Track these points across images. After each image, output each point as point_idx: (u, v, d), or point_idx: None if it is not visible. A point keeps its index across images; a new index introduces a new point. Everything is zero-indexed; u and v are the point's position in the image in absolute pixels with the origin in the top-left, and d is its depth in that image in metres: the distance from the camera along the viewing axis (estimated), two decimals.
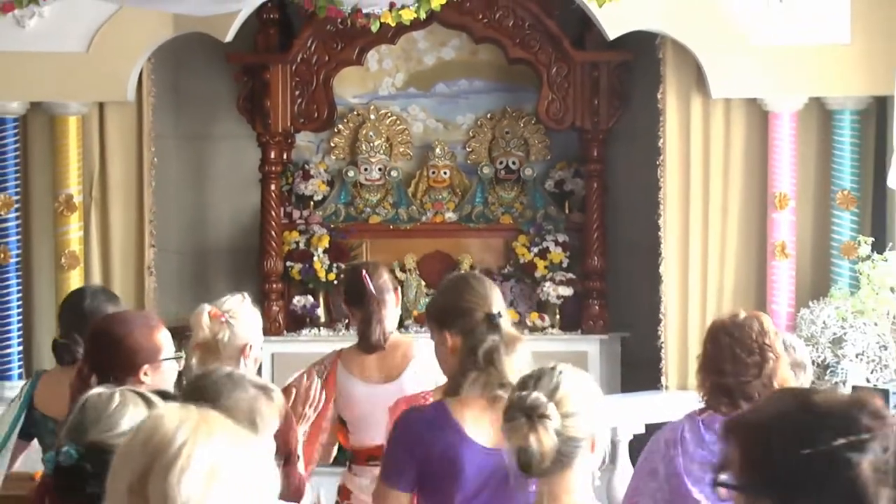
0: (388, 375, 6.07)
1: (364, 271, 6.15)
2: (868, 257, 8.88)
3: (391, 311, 6.14)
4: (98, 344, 4.95)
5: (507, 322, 4.86)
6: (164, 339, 4.98)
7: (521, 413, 3.67)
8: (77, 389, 4.74)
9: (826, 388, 2.62)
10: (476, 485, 4.51)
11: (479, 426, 4.52)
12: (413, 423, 4.67)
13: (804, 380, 6.54)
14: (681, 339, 9.54)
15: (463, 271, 9.27)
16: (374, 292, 6.00)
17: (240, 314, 5.52)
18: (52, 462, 3.34)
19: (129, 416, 3.33)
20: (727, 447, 2.78)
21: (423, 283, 10.69)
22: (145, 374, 4.80)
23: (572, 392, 3.76)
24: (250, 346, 5.39)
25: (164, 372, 4.93)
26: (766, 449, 2.71)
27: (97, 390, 3.48)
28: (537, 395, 3.69)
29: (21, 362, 9.64)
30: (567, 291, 10.54)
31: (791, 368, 5.37)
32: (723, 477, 2.73)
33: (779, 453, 2.69)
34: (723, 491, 2.77)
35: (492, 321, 4.74)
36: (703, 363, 5.18)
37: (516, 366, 4.55)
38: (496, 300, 5.04)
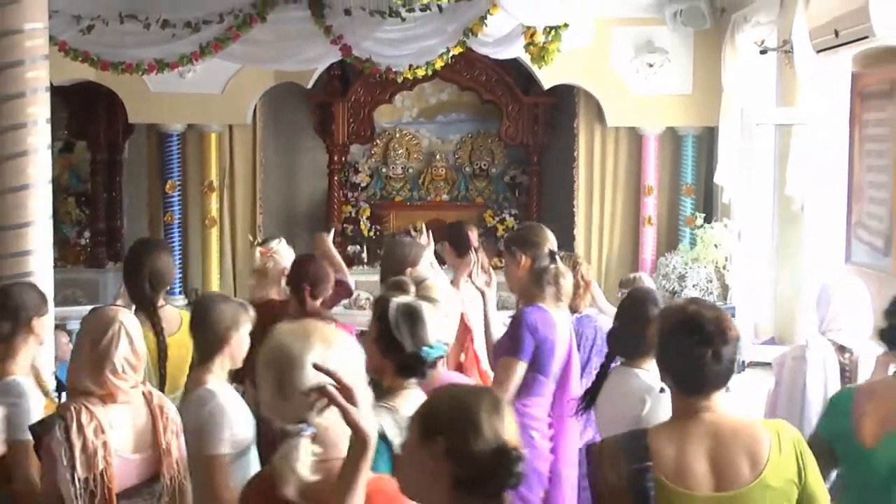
0: None
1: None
2: (701, 226, 8.93)
3: None
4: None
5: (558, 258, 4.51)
6: None
7: None
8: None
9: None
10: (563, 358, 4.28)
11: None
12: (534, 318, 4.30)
13: None
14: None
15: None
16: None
17: (279, 251, 5.38)
18: None
19: None
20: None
21: None
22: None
23: None
24: (286, 270, 5.13)
25: None
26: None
27: None
28: None
29: (181, 288, 9.65)
30: None
31: None
32: None
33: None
34: None
35: (553, 255, 4.48)
36: None
37: (568, 288, 4.40)
38: (554, 242, 4.70)
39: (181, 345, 4.29)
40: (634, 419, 3.47)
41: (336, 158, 10.47)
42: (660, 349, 2.75)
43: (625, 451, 2.60)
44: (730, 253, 8.54)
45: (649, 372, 3.62)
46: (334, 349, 2.27)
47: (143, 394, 3.45)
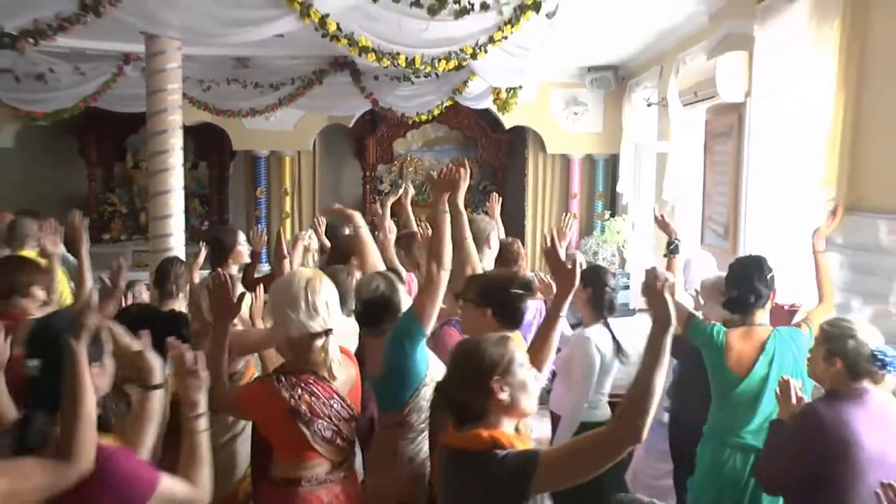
0: None
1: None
2: (608, 219, 8.95)
3: None
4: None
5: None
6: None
7: None
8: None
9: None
10: None
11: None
12: None
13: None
14: (532, 254, 9.38)
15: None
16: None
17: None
18: None
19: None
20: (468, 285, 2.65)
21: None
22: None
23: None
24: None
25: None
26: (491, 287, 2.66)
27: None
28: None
29: (267, 258, 9.62)
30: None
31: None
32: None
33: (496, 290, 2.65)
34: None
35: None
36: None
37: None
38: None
39: None
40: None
41: (368, 174, 10.43)
42: (498, 299, 2.60)
43: None
44: (626, 237, 8.60)
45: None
46: None
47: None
